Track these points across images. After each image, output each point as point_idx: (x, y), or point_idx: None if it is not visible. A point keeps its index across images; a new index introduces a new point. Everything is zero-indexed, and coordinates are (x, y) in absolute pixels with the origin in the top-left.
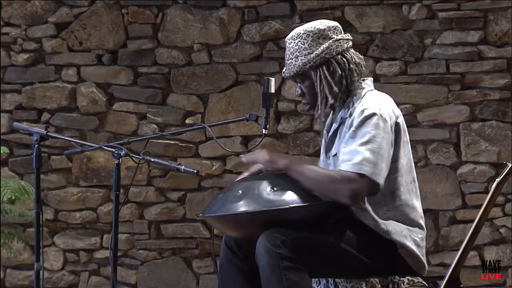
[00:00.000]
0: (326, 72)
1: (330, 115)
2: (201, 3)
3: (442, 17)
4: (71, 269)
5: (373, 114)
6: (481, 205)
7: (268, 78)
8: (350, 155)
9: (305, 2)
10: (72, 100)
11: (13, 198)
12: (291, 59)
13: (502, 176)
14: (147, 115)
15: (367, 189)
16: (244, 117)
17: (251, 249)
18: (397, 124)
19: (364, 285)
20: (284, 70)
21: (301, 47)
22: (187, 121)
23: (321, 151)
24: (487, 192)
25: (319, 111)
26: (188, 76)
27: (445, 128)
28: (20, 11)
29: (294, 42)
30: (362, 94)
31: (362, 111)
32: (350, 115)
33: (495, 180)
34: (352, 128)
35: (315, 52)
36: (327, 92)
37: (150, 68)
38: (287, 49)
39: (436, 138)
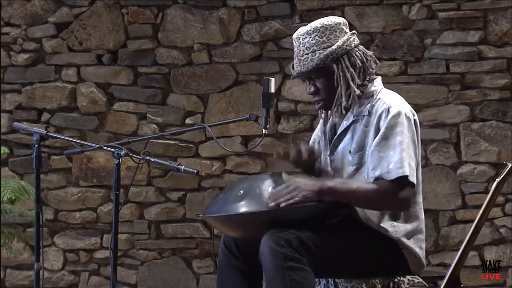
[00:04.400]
0: (348, 63)
1: (334, 114)
2: (201, 3)
3: (442, 17)
4: (71, 269)
5: (399, 113)
6: (481, 205)
7: (268, 78)
8: (388, 159)
9: (305, 2)
10: (72, 100)
11: (13, 198)
12: (307, 54)
13: (502, 176)
14: (147, 115)
15: (410, 191)
16: (244, 117)
17: (251, 249)
18: (415, 122)
19: (364, 285)
20: (295, 68)
21: (319, 40)
22: (187, 121)
23: (321, 148)
24: (487, 192)
25: (342, 103)
26: (188, 76)
27: (445, 128)
28: (20, 11)
29: (311, 37)
30: (376, 92)
31: (388, 110)
32: (369, 113)
33: (495, 180)
34: (382, 129)
35: (337, 44)
36: (351, 83)
37: (150, 68)
38: (301, 45)
39: (436, 138)
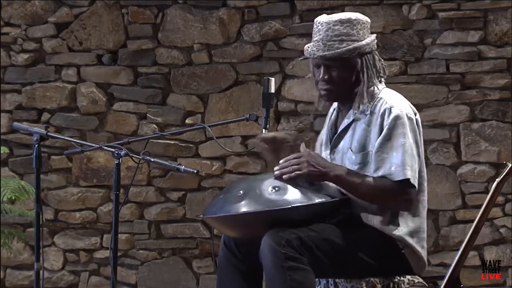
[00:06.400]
0: (371, 61)
1: (337, 111)
2: (201, 3)
3: (442, 17)
4: (71, 269)
5: (401, 114)
6: (481, 205)
7: (268, 78)
8: (390, 160)
9: (305, 2)
10: (72, 100)
11: (13, 198)
12: (333, 41)
13: (502, 176)
14: (147, 115)
15: (412, 193)
16: (244, 117)
17: (251, 249)
18: (416, 121)
19: (364, 285)
20: (316, 50)
21: (350, 32)
22: (187, 121)
23: (322, 147)
24: (487, 192)
25: (364, 99)
26: (188, 76)
27: (445, 128)
28: (20, 11)
29: (342, 26)
30: (378, 91)
31: (390, 110)
32: (371, 112)
33: (495, 180)
34: (385, 130)
35: (366, 40)
36: (375, 80)
37: (150, 68)
38: (330, 30)
39: (436, 138)
